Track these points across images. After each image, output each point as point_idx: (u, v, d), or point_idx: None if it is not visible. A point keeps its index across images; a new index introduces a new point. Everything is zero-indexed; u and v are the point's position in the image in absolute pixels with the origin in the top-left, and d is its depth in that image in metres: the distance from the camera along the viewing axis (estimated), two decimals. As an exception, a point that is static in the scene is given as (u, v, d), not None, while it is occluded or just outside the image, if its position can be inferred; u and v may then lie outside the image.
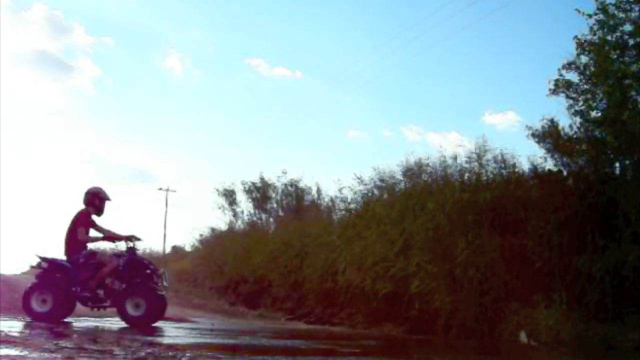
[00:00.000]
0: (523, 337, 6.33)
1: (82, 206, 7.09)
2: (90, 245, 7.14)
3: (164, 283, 6.98)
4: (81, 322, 6.96)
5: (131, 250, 6.99)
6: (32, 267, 7.28)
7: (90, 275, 6.73)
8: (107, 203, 7.22)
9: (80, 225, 6.90)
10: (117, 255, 7.08)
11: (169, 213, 35.67)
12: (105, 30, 58.14)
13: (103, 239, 7.09)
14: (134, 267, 6.83)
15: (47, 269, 6.90)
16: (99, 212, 7.13)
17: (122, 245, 7.13)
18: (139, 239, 7.29)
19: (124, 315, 6.66)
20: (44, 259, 7.11)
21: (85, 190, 7.20)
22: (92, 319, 7.41)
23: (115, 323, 6.86)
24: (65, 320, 6.83)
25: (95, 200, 7.09)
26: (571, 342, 5.87)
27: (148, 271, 6.86)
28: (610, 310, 6.08)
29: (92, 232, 7.05)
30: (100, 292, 6.78)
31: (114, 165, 56.64)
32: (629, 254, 6.03)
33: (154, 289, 6.75)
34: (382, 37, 40.62)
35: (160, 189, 36.40)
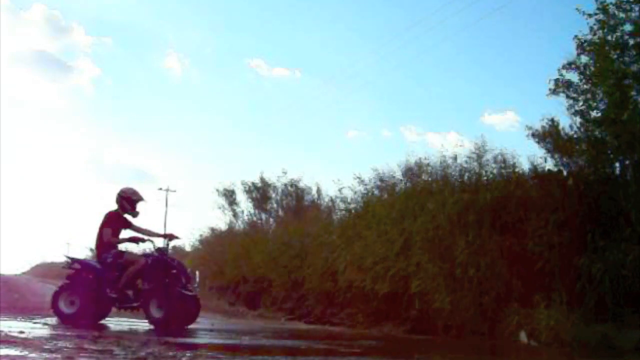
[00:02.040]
0: (523, 337, 6.33)
1: (114, 207, 7.04)
2: (123, 245, 7.11)
3: (194, 283, 6.79)
4: (111, 323, 6.95)
5: (161, 250, 6.85)
6: (63, 267, 7.20)
7: (118, 275, 6.65)
8: (140, 203, 7.09)
9: (107, 227, 6.84)
10: (146, 255, 7.01)
11: (169, 213, 35.68)
12: (105, 31, 58.25)
13: (129, 240, 6.99)
14: (159, 267, 6.65)
15: (77, 270, 6.86)
16: (132, 213, 7.03)
17: (159, 243, 7.03)
18: (177, 237, 7.27)
19: (148, 317, 6.56)
20: (73, 260, 7.11)
21: (117, 191, 7.13)
22: (115, 320, 7.32)
23: (145, 325, 6.73)
24: (101, 322, 6.81)
25: (123, 201, 6.99)
26: (571, 342, 5.87)
27: (174, 271, 6.65)
28: (610, 310, 6.09)
29: (129, 233, 7.02)
30: (130, 292, 6.68)
31: (114, 165, 56.74)
32: (629, 254, 6.04)
33: (177, 289, 6.52)
34: (382, 37, 40.70)
35: (160, 189, 36.43)
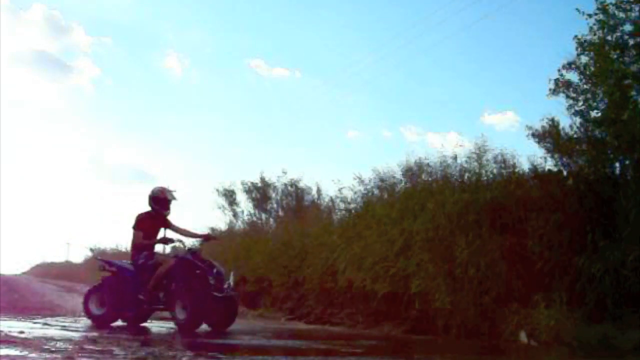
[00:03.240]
0: (523, 337, 6.33)
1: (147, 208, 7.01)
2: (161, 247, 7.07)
3: (225, 284, 6.47)
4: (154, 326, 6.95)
5: (191, 251, 6.73)
6: (99, 270, 7.20)
7: (148, 277, 6.59)
8: (171, 202, 7.00)
9: (138, 229, 6.82)
10: (176, 255, 6.91)
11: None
12: (105, 30, 58.13)
13: (159, 241, 6.91)
14: (185, 268, 6.50)
15: (112, 272, 6.89)
16: (164, 212, 6.95)
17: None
18: (214, 238, 7.31)
19: (173, 318, 6.44)
20: (105, 262, 7.14)
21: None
22: (158, 323, 7.28)
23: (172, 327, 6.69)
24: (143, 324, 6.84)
25: (152, 202, 6.94)
26: (571, 342, 5.87)
27: (198, 271, 6.45)
28: (610, 310, 6.08)
29: (168, 233, 7.01)
30: (161, 294, 6.58)
31: (114, 165, 56.69)
32: (629, 254, 6.03)
33: (203, 290, 6.31)
34: (382, 37, 40.60)
35: (160, 189, 36.37)
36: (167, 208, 7.00)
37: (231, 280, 6.62)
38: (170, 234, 7.04)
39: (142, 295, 6.57)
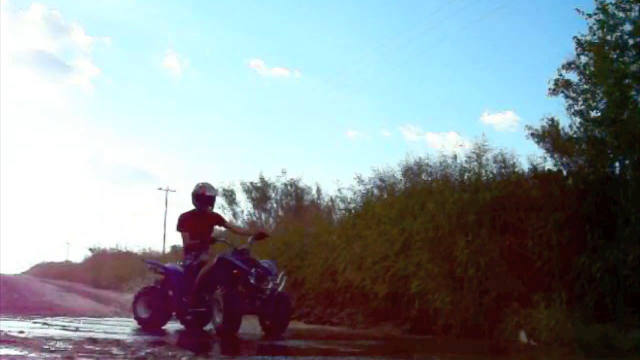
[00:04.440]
0: (523, 337, 6.33)
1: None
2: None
3: (268, 284, 6.02)
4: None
5: (238, 250, 6.31)
6: (155, 273, 7.06)
7: (194, 279, 6.32)
8: (214, 198, 6.81)
9: (183, 230, 6.64)
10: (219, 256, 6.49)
11: (169, 213, 35.69)
12: (104, 30, 58.30)
13: (200, 242, 6.54)
14: (223, 268, 6.13)
15: (162, 274, 6.76)
16: (206, 209, 6.74)
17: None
18: (267, 236, 7.02)
19: (212, 322, 6.12)
20: (154, 265, 7.07)
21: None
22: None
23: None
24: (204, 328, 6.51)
25: (194, 200, 6.73)
26: (571, 342, 5.87)
27: (235, 271, 6.05)
28: (610, 310, 6.08)
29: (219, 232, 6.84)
30: (208, 296, 6.18)
31: (114, 165, 56.85)
32: (629, 254, 6.03)
33: (236, 292, 5.95)
34: (382, 37, 40.72)
35: (160, 189, 36.51)
36: (210, 205, 6.78)
37: (279, 281, 6.15)
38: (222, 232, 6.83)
39: (186, 298, 6.35)
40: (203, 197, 6.72)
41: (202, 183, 6.83)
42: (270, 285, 6.01)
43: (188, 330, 6.55)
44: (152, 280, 7.25)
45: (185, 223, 6.69)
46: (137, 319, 6.65)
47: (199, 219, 6.69)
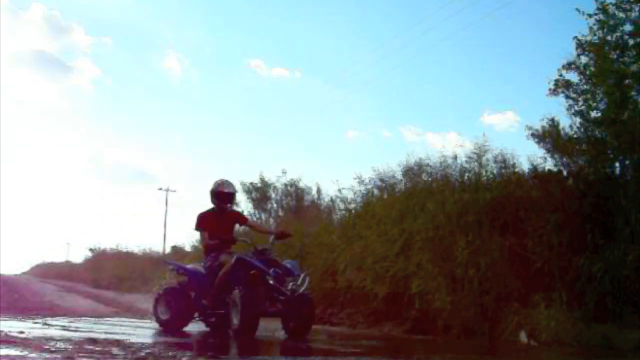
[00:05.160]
0: (523, 337, 6.33)
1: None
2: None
3: (288, 285, 5.78)
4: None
5: (258, 249, 6.10)
6: (177, 274, 6.91)
7: (213, 280, 6.12)
8: (233, 195, 6.57)
9: (202, 229, 6.43)
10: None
11: (169, 213, 35.73)
12: (104, 30, 58.33)
13: (221, 242, 6.28)
14: (240, 268, 5.92)
15: (184, 275, 6.61)
16: (225, 206, 6.49)
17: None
18: (289, 235, 6.81)
19: (230, 323, 5.88)
20: (175, 265, 6.91)
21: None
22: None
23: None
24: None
25: (213, 198, 6.48)
26: (571, 342, 5.87)
27: (252, 271, 5.81)
28: (610, 310, 6.08)
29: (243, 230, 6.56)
30: (227, 297, 5.95)
31: (114, 165, 56.87)
32: (629, 254, 6.03)
33: (252, 292, 5.71)
34: (382, 37, 40.70)
35: (160, 189, 36.53)
36: (228, 202, 6.53)
37: (300, 281, 5.88)
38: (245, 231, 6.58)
39: (205, 299, 6.19)
40: (221, 194, 6.47)
41: (220, 179, 6.57)
42: (290, 286, 5.79)
43: (211, 332, 6.37)
44: (165, 282, 7.12)
45: (203, 222, 6.45)
46: (157, 320, 6.50)
47: (218, 217, 6.46)
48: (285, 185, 17.79)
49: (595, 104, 7.39)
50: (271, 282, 5.74)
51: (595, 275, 6.16)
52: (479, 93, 37.63)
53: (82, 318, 7.34)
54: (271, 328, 6.23)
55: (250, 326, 5.69)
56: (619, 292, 6.08)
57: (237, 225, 6.78)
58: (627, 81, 6.95)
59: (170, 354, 3.93)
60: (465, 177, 8.44)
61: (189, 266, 6.89)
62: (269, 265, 5.89)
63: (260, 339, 5.86)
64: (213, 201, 6.51)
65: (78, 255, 52.67)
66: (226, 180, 6.58)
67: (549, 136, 7.87)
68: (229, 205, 6.59)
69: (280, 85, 45.62)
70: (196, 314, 6.49)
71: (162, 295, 6.59)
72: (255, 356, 4.50)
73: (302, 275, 5.97)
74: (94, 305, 12.34)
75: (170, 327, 6.29)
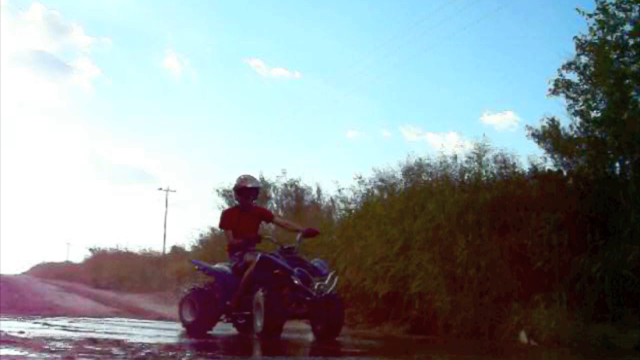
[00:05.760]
0: (523, 337, 6.33)
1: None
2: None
3: (314, 285, 5.53)
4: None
5: (283, 248, 5.87)
6: (204, 274, 6.73)
7: (238, 280, 5.91)
8: (257, 190, 6.34)
9: (225, 227, 6.21)
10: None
11: (169, 213, 35.75)
12: (104, 31, 58.25)
13: (245, 241, 6.06)
14: (264, 268, 5.68)
15: (210, 276, 6.45)
16: (250, 202, 6.23)
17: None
18: (316, 232, 6.55)
19: (254, 325, 5.68)
20: (200, 265, 6.68)
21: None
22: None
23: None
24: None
25: (236, 195, 6.30)
26: (571, 342, 5.87)
27: (276, 271, 5.60)
28: (610, 310, 6.08)
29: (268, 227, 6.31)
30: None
31: (114, 165, 56.86)
32: (629, 254, 6.03)
33: (276, 293, 5.52)
34: (382, 37, 40.71)
35: (160, 189, 36.52)
36: (253, 197, 6.27)
37: (328, 281, 5.63)
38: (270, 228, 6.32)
39: (229, 301, 5.97)
40: (245, 189, 6.21)
41: (243, 175, 6.32)
42: (317, 286, 5.52)
43: (240, 334, 6.21)
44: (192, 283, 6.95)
45: (227, 220, 6.22)
46: (182, 322, 6.31)
47: (243, 215, 6.21)
48: (285, 185, 17.78)
49: (595, 104, 7.39)
50: (296, 282, 5.50)
51: (595, 275, 6.16)
52: (479, 93, 37.67)
53: (82, 318, 7.33)
54: (301, 330, 6.05)
55: (274, 328, 5.47)
56: (619, 292, 6.07)
57: (263, 223, 6.54)
58: (627, 81, 6.95)
59: (170, 354, 3.93)
60: (465, 177, 8.45)
61: (215, 267, 6.61)
62: (294, 264, 5.64)
63: (284, 339, 5.69)
64: (236, 198, 6.33)
65: (78, 255, 52.71)
66: (249, 175, 6.37)
67: (549, 136, 7.87)
68: (254, 201, 6.34)
69: (280, 85, 45.70)
70: (223, 316, 6.28)
71: (187, 297, 6.40)
72: (255, 356, 4.50)
73: (330, 275, 5.71)
74: (94, 305, 12.34)
75: (195, 329, 6.06)
